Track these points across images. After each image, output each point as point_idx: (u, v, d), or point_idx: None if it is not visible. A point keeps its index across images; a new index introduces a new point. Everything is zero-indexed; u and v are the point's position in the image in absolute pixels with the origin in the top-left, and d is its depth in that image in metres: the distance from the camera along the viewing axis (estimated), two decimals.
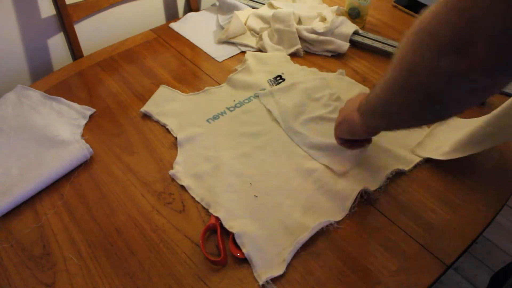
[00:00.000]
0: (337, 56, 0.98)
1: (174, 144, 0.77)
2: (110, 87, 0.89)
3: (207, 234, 0.63)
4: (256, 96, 0.85)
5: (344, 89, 0.87)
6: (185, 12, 1.22)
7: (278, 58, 0.95)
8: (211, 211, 0.65)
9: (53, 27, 1.00)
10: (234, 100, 0.84)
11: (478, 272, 1.30)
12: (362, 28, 1.06)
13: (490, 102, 0.85)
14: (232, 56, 0.98)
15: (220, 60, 0.97)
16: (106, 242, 0.62)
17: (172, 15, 1.22)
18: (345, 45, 0.97)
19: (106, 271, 0.59)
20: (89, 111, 0.83)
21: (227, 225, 0.62)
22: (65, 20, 0.95)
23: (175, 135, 0.77)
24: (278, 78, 0.89)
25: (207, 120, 0.80)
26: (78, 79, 0.92)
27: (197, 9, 1.19)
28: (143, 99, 0.86)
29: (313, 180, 0.69)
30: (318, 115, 0.80)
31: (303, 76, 0.90)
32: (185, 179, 0.70)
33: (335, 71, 0.93)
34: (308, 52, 0.99)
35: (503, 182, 0.69)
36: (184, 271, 0.59)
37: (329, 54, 0.98)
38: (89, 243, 0.62)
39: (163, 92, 0.87)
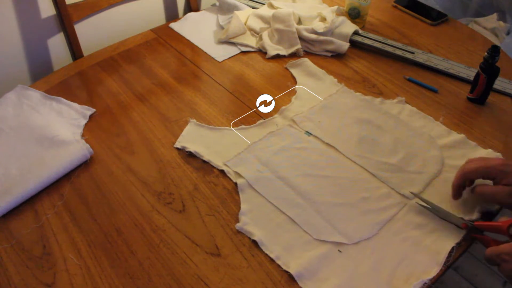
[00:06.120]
0: (337, 56, 0.98)
1: (173, 143, 0.77)
2: (110, 87, 0.89)
3: None
4: (309, 134, 0.78)
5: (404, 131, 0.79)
6: (185, 12, 1.23)
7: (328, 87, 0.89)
8: (291, 271, 0.58)
9: (53, 27, 1.00)
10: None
11: (478, 272, 1.30)
12: (362, 28, 1.06)
13: (490, 102, 0.85)
14: (232, 56, 0.98)
15: (220, 60, 0.97)
16: (106, 242, 0.62)
17: (172, 15, 1.22)
18: (345, 45, 0.97)
19: (106, 271, 0.59)
20: (89, 111, 0.83)
21: None
22: (65, 20, 0.95)
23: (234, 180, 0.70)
24: None
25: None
26: (78, 79, 0.92)
27: (197, 9, 1.19)
28: (143, 99, 0.86)
29: (397, 230, 0.63)
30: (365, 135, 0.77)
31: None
32: (256, 232, 0.63)
33: (335, 71, 0.93)
34: (308, 52, 0.99)
35: None
36: (184, 271, 0.59)
37: (329, 54, 0.98)
38: (89, 243, 0.62)
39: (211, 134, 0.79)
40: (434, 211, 0.64)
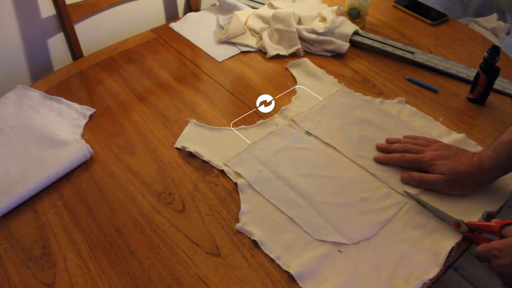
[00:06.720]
0: (337, 56, 0.98)
1: (173, 143, 0.77)
2: (110, 87, 0.89)
3: None
4: (309, 134, 0.78)
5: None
6: (185, 12, 1.23)
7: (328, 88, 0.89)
8: (291, 271, 0.58)
9: (53, 27, 1.00)
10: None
11: (478, 272, 1.30)
12: (362, 28, 1.06)
13: (490, 102, 0.85)
14: (232, 56, 0.98)
15: (220, 60, 0.97)
16: (106, 242, 0.62)
17: (172, 15, 1.22)
18: (345, 45, 0.97)
19: (106, 271, 0.59)
20: (89, 111, 0.83)
21: None
22: (65, 20, 0.95)
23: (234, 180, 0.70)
24: None
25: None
26: (78, 79, 0.92)
27: (197, 9, 1.19)
28: (143, 99, 0.86)
29: (396, 230, 0.63)
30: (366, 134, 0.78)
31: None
32: (256, 232, 0.63)
33: (335, 71, 0.93)
34: (308, 52, 0.99)
35: (503, 182, 0.69)
36: (184, 271, 0.59)
37: (329, 54, 0.98)
38: (89, 243, 0.62)
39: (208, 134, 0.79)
40: (433, 210, 0.65)
